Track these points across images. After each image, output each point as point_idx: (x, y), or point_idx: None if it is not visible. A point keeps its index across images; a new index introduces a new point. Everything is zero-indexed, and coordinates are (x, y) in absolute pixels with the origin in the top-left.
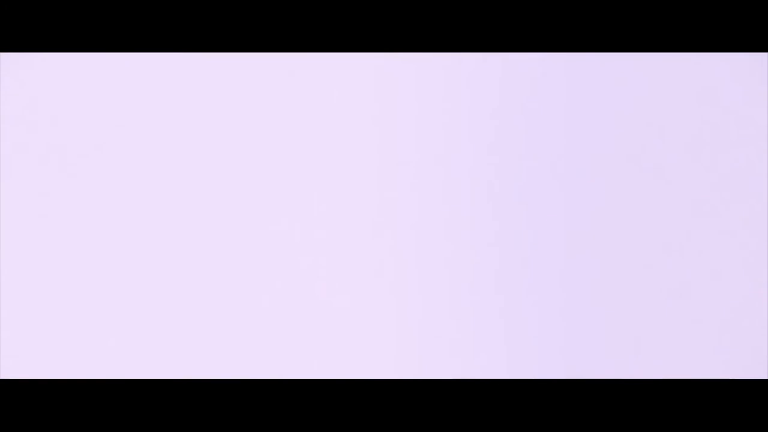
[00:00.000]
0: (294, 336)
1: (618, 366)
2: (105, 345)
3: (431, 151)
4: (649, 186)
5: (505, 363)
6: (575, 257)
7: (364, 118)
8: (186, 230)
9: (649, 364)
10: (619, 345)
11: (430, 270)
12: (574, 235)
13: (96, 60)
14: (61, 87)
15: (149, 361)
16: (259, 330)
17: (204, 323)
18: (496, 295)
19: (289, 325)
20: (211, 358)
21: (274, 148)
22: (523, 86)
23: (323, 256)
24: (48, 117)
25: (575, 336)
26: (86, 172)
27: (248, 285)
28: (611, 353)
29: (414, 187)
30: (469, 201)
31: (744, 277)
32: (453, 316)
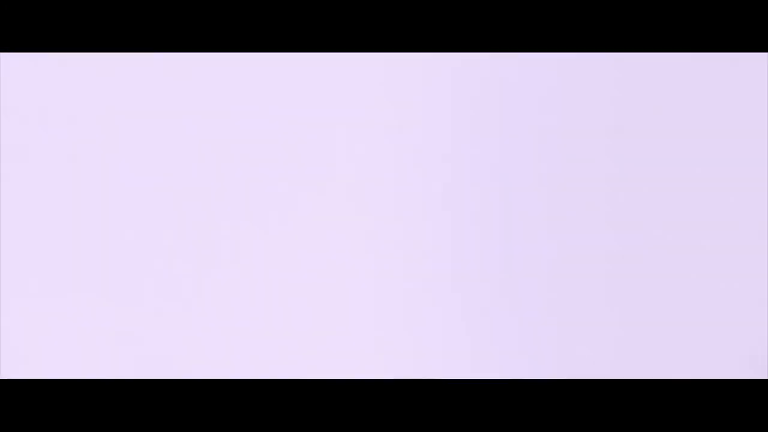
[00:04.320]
0: (292, 335)
1: (618, 366)
2: (105, 345)
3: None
4: (649, 186)
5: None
6: (574, 257)
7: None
8: (186, 230)
9: (648, 364)
10: (619, 345)
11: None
12: (573, 235)
13: (96, 60)
14: (62, 87)
15: (149, 361)
16: (258, 330)
17: (203, 323)
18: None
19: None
20: (211, 358)
21: (274, 148)
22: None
23: (321, 255)
24: (47, 117)
25: (574, 336)
26: (86, 172)
27: (247, 285)
28: (611, 353)
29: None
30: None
31: (744, 277)
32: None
